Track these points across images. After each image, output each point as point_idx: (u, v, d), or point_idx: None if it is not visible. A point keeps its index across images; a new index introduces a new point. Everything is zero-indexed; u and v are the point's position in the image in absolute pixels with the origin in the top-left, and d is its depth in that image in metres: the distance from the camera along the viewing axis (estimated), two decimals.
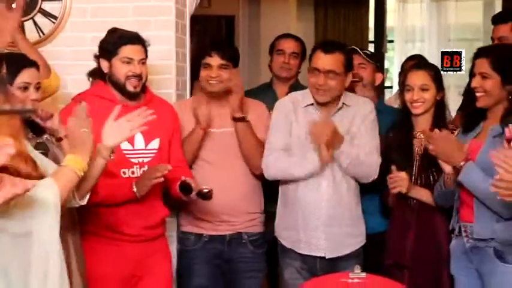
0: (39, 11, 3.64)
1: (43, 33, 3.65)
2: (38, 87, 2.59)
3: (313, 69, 3.12)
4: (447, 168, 2.83)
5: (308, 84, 3.20)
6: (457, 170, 2.77)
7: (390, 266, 3.06)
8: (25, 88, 2.53)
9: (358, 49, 3.59)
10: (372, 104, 3.26)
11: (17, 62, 2.56)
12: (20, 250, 1.97)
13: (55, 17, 3.64)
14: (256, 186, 3.33)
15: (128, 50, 2.93)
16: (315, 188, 3.12)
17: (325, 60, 3.09)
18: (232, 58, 3.24)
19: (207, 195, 2.93)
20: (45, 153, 2.53)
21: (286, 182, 3.20)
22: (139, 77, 2.93)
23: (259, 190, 3.35)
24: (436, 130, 2.84)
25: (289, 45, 3.96)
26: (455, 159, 2.75)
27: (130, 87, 2.94)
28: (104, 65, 2.98)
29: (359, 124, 3.13)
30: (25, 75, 2.53)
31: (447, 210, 2.95)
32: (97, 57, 3.03)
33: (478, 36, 7.47)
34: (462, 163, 2.73)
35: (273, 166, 3.14)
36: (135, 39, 2.95)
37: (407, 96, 3.10)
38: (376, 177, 3.11)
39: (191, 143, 3.19)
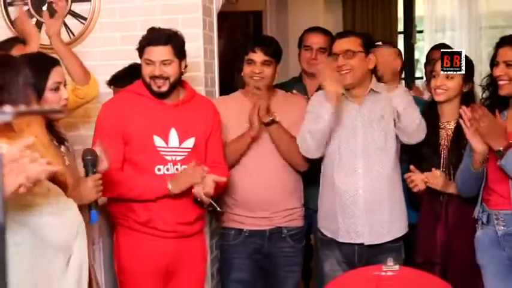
0: (69, 13, 3.68)
1: (73, 35, 3.70)
2: (65, 85, 2.57)
3: (333, 54, 3.16)
4: (480, 147, 2.77)
5: None
6: (494, 154, 2.73)
7: (421, 264, 3.02)
8: (57, 88, 2.51)
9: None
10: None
11: (46, 62, 2.53)
12: (59, 262, 1.98)
13: (84, 18, 3.69)
14: (297, 181, 3.33)
15: (149, 52, 2.92)
16: (350, 174, 3.11)
17: (341, 43, 3.14)
18: (275, 54, 3.26)
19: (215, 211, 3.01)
20: None
21: (325, 169, 3.20)
22: (161, 77, 2.92)
23: (299, 184, 3.34)
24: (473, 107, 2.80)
25: (317, 41, 3.91)
26: (498, 143, 2.72)
27: (154, 87, 2.95)
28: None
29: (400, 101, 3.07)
30: (55, 75, 2.51)
31: (476, 200, 2.92)
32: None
33: (511, 23, 7.34)
34: (502, 148, 2.70)
35: (303, 141, 3.13)
36: (158, 40, 2.91)
37: (433, 82, 3.10)
38: (423, 138, 3.06)
39: (238, 148, 3.20)
